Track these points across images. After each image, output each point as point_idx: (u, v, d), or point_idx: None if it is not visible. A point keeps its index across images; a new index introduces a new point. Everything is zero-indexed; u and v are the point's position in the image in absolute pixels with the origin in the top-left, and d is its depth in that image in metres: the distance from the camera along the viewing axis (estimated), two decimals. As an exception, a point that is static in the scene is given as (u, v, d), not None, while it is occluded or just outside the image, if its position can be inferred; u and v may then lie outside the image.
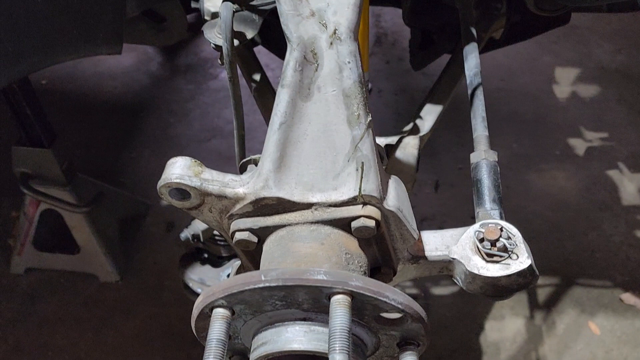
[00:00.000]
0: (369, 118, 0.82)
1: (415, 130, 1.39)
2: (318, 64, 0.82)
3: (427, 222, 2.41)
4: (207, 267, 1.58)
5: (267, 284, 0.71)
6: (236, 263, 1.18)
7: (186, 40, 3.19)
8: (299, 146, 0.83)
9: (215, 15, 1.52)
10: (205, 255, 1.60)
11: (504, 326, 2.10)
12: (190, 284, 1.57)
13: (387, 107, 2.91)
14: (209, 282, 1.55)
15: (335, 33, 0.80)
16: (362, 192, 0.81)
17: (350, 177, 0.82)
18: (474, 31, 1.31)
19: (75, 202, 2.02)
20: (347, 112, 0.81)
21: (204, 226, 1.51)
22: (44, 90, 2.97)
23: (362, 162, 0.82)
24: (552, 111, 2.92)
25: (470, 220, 2.11)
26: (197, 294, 1.59)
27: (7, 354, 2.00)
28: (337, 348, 0.66)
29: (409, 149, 1.31)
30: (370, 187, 0.81)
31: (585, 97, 2.99)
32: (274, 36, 1.71)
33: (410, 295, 2.17)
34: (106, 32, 1.48)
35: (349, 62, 0.80)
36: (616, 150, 2.71)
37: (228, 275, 1.56)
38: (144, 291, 2.19)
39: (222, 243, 1.54)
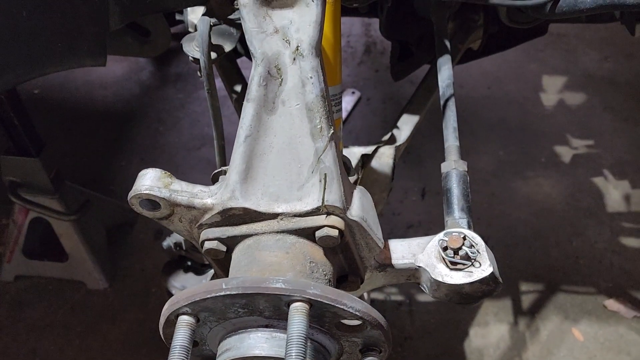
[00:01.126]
0: (332, 131, 0.85)
1: (391, 140, 1.42)
2: (282, 79, 0.84)
3: (413, 229, 2.44)
4: (190, 274, 1.61)
5: (228, 292, 0.73)
6: (211, 271, 1.21)
7: (176, 50, 3.22)
8: (265, 158, 0.86)
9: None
10: (189, 263, 1.63)
11: (488, 332, 2.12)
12: (174, 292, 1.59)
13: (374, 115, 2.94)
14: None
15: (297, 49, 0.83)
16: (325, 203, 0.84)
17: (314, 188, 0.85)
18: (447, 43, 1.34)
19: (63, 210, 2.05)
20: (310, 125, 0.84)
21: (185, 234, 1.53)
22: (36, 99, 3.00)
23: (325, 174, 0.85)
24: (539, 119, 2.95)
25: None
26: (180, 301, 1.62)
27: (-6, 360, 2.02)
28: (293, 353, 0.69)
29: (384, 159, 1.33)
30: (333, 197, 0.84)
31: (572, 105, 3.02)
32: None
33: (394, 301, 2.20)
34: (90, 44, 1.51)
35: (311, 77, 0.83)
36: (602, 157, 2.74)
37: (209, 283, 1.58)
38: (131, 298, 2.21)
39: (204, 251, 1.56)
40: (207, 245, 0.88)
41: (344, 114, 2.94)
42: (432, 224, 2.45)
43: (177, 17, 1.74)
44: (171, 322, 0.80)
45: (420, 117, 1.46)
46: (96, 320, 2.14)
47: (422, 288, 0.99)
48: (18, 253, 2.19)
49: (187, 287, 1.60)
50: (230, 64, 1.59)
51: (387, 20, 1.47)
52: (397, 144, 1.39)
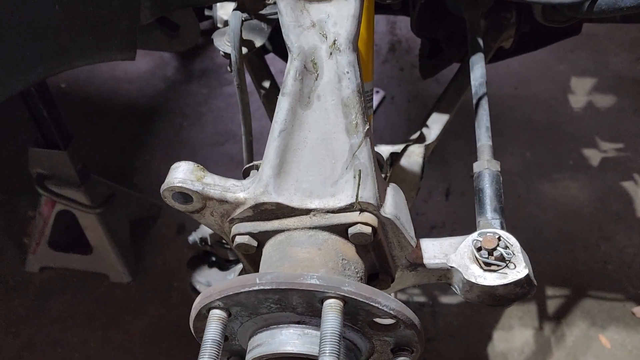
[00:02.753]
0: (367, 127, 0.83)
1: (421, 139, 1.40)
2: (318, 74, 0.83)
3: (436, 229, 2.41)
4: (215, 270, 1.60)
5: (262, 287, 0.72)
6: (239, 266, 1.20)
7: (202, 45, 3.23)
8: (299, 153, 0.85)
9: (227, 23, 1.55)
10: (213, 259, 1.62)
11: (512, 336, 2.09)
12: (198, 286, 1.59)
13: (399, 114, 2.92)
14: (215, 284, 1.57)
15: (334, 44, 0.82)
16: (359, 199, 0.83)
17: (347, 184, 0.84)
18: (480, 41, 1.31)
19: (88, 202, 2.07)
20: (345, 120, 0.83)
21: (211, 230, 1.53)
22: (63, 93, 3.03)
23: (360, 170, 0.83)
24: (567, 120, 2.90)
25: (479, 228, 2.10)
26: (204, 296, 1.62)
27: (19, 349, 2.04)
28: (327, 351, 0.67)
29: (414, 157, 1.32)
30: (367, 194, 0.83)
31: (601, 107, 2.96)
32: (285, 44, 1.73)
33: (417, 302, 2.17)
34: (120, 39, 1.52)
35: (347, 72, 0.81)
36: (631, 161, 2.68)
37: (234, 278, 1.58)
38: (153, 292, 2.23)
39: (229, 247, 1.56)
40: (238, 239, 0.88)
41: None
42: (456, 225, 2.42)
43: (206, 12, 1.74)
44: (202, 316, 0.79)
45: (450, 116, 1.44)
46: (119, 313, 2.16)
47: (454, 289, 0.97)
48: (44, 245, 2.21)
49: (211, 282, 1.60)
50: (259, 60, 1.58)
51: (419, 17, 1.45)
52: (427, 142, 1.37)
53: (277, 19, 1.35)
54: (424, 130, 1.41)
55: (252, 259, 0.93)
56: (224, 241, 1.57)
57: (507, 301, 0.94)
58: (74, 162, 1.99)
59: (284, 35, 0.84)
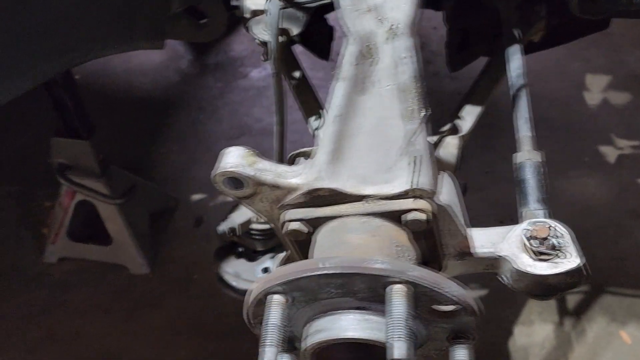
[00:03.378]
0: (424, 113, 0.83)
1: (455, 130, 1.39)
2: (374, 59, 0.83)
3: (454, 225, 2.40)
4: (242, 260, 1.60)
5: (326, 272, 0.72)
6: (280, 255, 1.20)
7: (216, 38, 3.22)
8: (354, 139, 0.85)
9: (255, 13, 1.55)
10: (240, 249, 1.62)
11: (533, 331, 2.09)
12: (225, 277, 1.59)
13: (415, 110, 2.91)
14: (243, 275, 1.57)
15: (391, 28, 0.81)
16: (415, 186, 0.82)
17: (402, 170, 0.83)
18: (516, 32, 1.31)
19: (109, 193, 2.06)
20: (401, 106, 0.82)
21: (241, 220, 1.53)
22: (77, 85, 3.02)
23: (415, 157, 0.83)
24: (582, 118, 2.90)
25: (497, 224, 2.10)
26: (232, 287, 1.62)
27: (40, 340, 2.04)
28: (396, 335, 0.67)
29: (450, 149, 1.31)
30: (423, 181, 0.82)
31: (616, 105, 2.96)
32: (312, 35, 1.72)
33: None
34: (150, 27, 1.52)
35: (404, 58, 0.81)
36: (648, 158, 2.68)
37: (265, 269, 1.58)
38: (172, 284, 2.22)
39: (258, 237, 1.56)
40: (290, 226, 0.87)
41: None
42: (473, 220, 2.39)
43: (233, 2, 1.73)
44: (260, 301, 0.79)
45: (484, 108, 1.43)
46: (138, 305, 2.15)
47: (500, 279, 0.96)
48: (63, 235, 2.21)
49: (239, 272, 1.60)
50: (289, 50, 1.57)
51: (455, 8, 1.44)
52: (462, 133, 1.36)
53: (314, 8, 1.36)
54: (457, 122, 1.41)
55: (300, 246, 0.93)
56: (252, 232, 1.56)
57: (557, 291, 0.93)
58: (96, 152, 1.98)
59: (339, 19, 0.84)
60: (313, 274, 0.73)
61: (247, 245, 1.59)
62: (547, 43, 1.74)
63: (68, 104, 1.83)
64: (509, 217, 0.91)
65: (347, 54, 0.83)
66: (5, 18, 1.31)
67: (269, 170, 0.87)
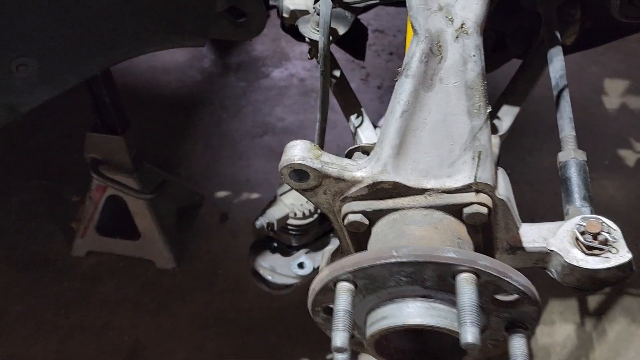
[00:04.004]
0: (489, 109, 0.86)
1: (494, 130, 1.42)
2: (442, 56, 0.86)
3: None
4: (277, 255, 1.63)
5: (399, 259, 0.75)
6: (328, 248, 1.23)
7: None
8: (418, 134, 0.88)
9: (294, 13, 1.58)
10: (275, 244, 1.65)
11: (554, 331, 2.11)
12: (261, 271, 1.62)
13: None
14: (279, 269, 1.60)
15: (462, 27, 0.84)
16: (478, 180, 0.85)
17: (465, 165, 0.86)
18: (558, 34, 1.34)
19: (140, 189, 2.09)
20: (468, 103, 0.85)
21: (279, 215, 1.56)
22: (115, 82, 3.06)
23: (479, 152, 0.86)
24: (600, 121, 2.93)
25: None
26: (266, 281, 1.65)
27: (70, 331, 2.07)
28: (468, 321, 0.70)
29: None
30: (486, 175, 0.85)
31: (635, 109, 2.99)
32: (347, 35, 1.76)
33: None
34: (194, 25, 1.55)
35: (473, 55, 0.84)
36: (667, 162, 2.71)
37: (300, 264, 1.61)
38: (198, 278, 2.25)
39: (294, 233, 1.59)
40: (351, 217, 0.90)
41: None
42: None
43: (271, 2, 1.76)
44: (327, 289, 0.82)
45: (521, 108, 1.46)
46: (165, 299, 2.19)
47: (550, 273, 0.99)
48: (92, 229, 2.24)
49: (274, 267, 1.63)
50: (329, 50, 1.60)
51: (495, 10, 1.47)
52: (501, 133, 1.39)
53: (361, 8, 1.39)
54: (496, 121, 1.43)
55: (357, 239, 0.96)
56: (289, 227, 1.59)
57: (605, 285, 0.96)
58: (130, 148, 2.01)
59: (411, 17, 0.87)
60: (387, 261, 0.76)
61: (282, 240, 1.63)
62: (580, 46, 1.77)
63: (106, 100, 1.86)
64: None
65: (417, 51, 0.86)
66: (56, 16, 1.35)
67: (334, 163, 0.90)
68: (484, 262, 0.74)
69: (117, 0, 1.42)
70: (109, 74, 1.86)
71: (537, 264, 1.01)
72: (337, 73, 1.57)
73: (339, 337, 0.75)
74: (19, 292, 2.17)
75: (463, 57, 0.84)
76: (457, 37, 0.84)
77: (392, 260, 0.75)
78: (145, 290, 2.21)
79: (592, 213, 1.07)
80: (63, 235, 2.36)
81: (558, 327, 2.13)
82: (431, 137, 0.88)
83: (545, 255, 0.97)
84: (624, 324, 2.13)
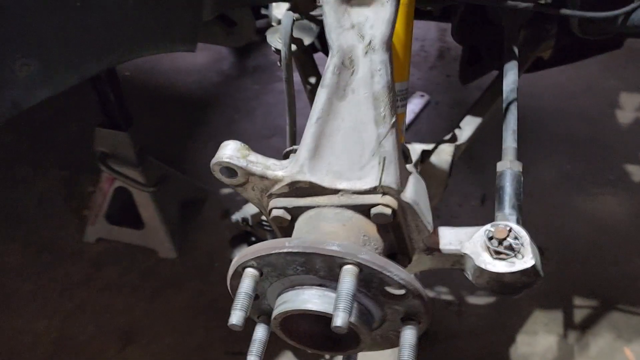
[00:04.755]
0: (394, 119, 0.93)
1: (453, 139, 1.48)
2: (354, 70, 0.94)
3: (469, 233, 2.46)
4: (253, 249, 1.73)
5: (290, 250, 0.84)
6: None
7: (256, 43, 3.39)
8: (332, 139, 0.96)
9: (281, 21, 1.68)
10: (253, 239, 1.76)
11: (536, 341, 2.13)
12: (236, 263, 1.72)
13: (441, 119, 2.99)
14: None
15: (370, 44, 0.93)
16: (382, 183, 0.93)
17: (373, 169, 0.94)
18: (516, 49, 1.39)
19: (144, 181, 2.24)
20: (375, 112, 0.93)
21: (253, 211, 1.66)
22: (127, 81, 3.25)
23: (384, 157, 0.94)
24: (611, 136, 2.89)
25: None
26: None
27: (73, 311, 2.24)
28: (341, 307, 0.78)
29: (443, 155, 1.40)
30: (390, 179, 0.93)
31: (649, 125, 2.94)
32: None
33: (444, 301, 2.24)
34: (183, 32, 1.68)
35: (379, 70, 0.92)
36: (676, 180, 2.66)
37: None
38: (196, 269, 2.39)
39: (268, 229, 1.69)
40: (275, 212, 1.00)
41: (412, 116, 3.00)
42: (488, 230, 2.46)
43: (263, 11, 1.88)
44: (238, 275, 0.91)
45: (484, 119, 1.51)
46: (163, 286, 2.33)
47: (466, 275, 1.05)
48: (101, 217, 2.41)
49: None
50: (307, 58, 1.70)
51: (460, 25, 1.53)
52: (458, 143, 1.45)
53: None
54: (457, 131, 1.50)
55: (285, 232, 1.05)
56: (263, 223, 1.70)
57: (515, 289, 1.02)
58: (134, 143, 2.17)
59: (326, 34, 0.95)
60: (280, 251, 0.85)
61: (259, 235, 1.73)
62: (559, 60, 1.80)
63: (110, 98, 2.02)
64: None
65: (331, 64, 0.95)
66: (58, 21, 1.49)
67: (259, 163, 1.00)
68: (365, 256, 0.82)
69: (114, 8, 1.56)
70: (114, 73, 2.01)
71: (454, 266, 1.07)
72: (313, 80, 1.67)
73: (235, 316, 0.85)
74: (31, 273, 2.37)
75: (371, 71, 0.93)
76: (366, 53, 0.93)
77: (285, 250, 0.84)
78: (145, 277, 2.36)
79: (518, 222, 1.12)
80: (76, 222, 2.54)
81: (540, 338, 2.14)
82: (344, 142, 0.96)
83: (460, 258, 1.04)
84: (609, 339, 2.12)
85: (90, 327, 2.19)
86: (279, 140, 2.92)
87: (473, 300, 2.25)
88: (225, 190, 2.67)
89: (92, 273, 2.37)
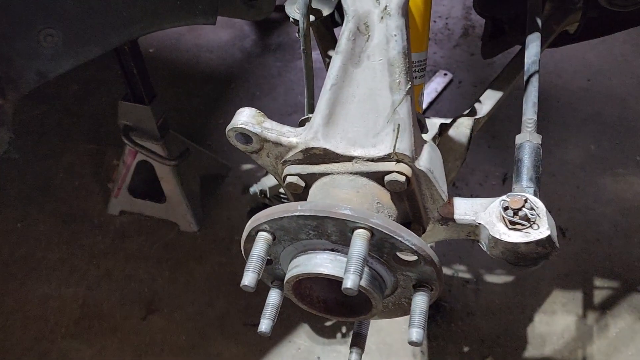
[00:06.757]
0: (409, 86, 0.93)
1: (472, 113, 1.46)
2: (369, 35, 0.94)
3: (489, 212, 2.44)
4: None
5: (302, 213, 0.85)
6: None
7: (279, 20, 3.38)
8: (347, 106, 0.96)
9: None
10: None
11: (554, 321, 2.12)
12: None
13: (464, 98, 2.95)
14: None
15: (386, 9, 0.92)
16: (396, 150, 0.93)
17: (388, 136, 0.94)
18: (539, 21, 1.36)
19: (165, 155, 2.28)
20: (390, 79, 0.93)
21: (271, 184, 1.68)
22: (151, 58, 3.29)
23: (399, 124, 0.93)
24: (639, 116, 2.82)
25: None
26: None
27: (98, 279, 2.31)
28: (352, 269, 0.79)
29: (461, 129, 1.39)
30: (404, 146, 0.93)
31: (680, 105, 2.85)
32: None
33: (462, 279, 2.24)
34: (204, 4, 1.69)
35: (395, 35, 0.91)
36: None
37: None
38: (216, 242, 2.43)
39: (286, 201, 1.71)
40: (289, 179, 1.00)
41: (434, 95, 2.97)
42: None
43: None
44: (251, 238, 0.93)
45: (504, 94, 1.49)
46: (185, 258, 2.38)
47: (480, 245, 1.05)
48: (124, 190, 2.46)
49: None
50: (327, 31, 1.69)
51: (482, -5, 1.50)
52: (477, 116, 1.43)
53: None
54: (476, 105, 1.48)
55: (299, 198, 1.06)
56: (281, 195, 1.71)
57: (529, 260, 1.01)
58: (156, 116, 2.19)
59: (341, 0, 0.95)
60: (292, 214, 0.86)
61: (276, 207, 1.75)
62: (586, 34, 1.75)
63: (134, 72, 2.05)
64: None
65: (346, 30, 0.94)
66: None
67: (274, 129, 1.00)
68: (377, 220, 0.83)
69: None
70: (137, 47, 2.03)
71: (469, 236, 1.07)
72: (332, 53, 1.66)
73: (247, 277, 0.87)
74: (58, 242, 2.44)
75: (386, 36, 0.92)
76: (382, 18, 0.92)
77: (297, 213, 0.85)
78: (167, 249, 2.41)
79: (535, 194, 1.11)
80: (102, 194, 2.60)
81: (558, 318, 2.13)
82: (359, 109, 0.96)
83: (475, 228, 1.03)
84: (629, 321, 2.10)
85: (115, 295, 2.25)
86: (300, 117, 2.92)
87: (491, 278, 2.24)
88: (246, 166, 2.70)
89: (117, 243, 2.43)
